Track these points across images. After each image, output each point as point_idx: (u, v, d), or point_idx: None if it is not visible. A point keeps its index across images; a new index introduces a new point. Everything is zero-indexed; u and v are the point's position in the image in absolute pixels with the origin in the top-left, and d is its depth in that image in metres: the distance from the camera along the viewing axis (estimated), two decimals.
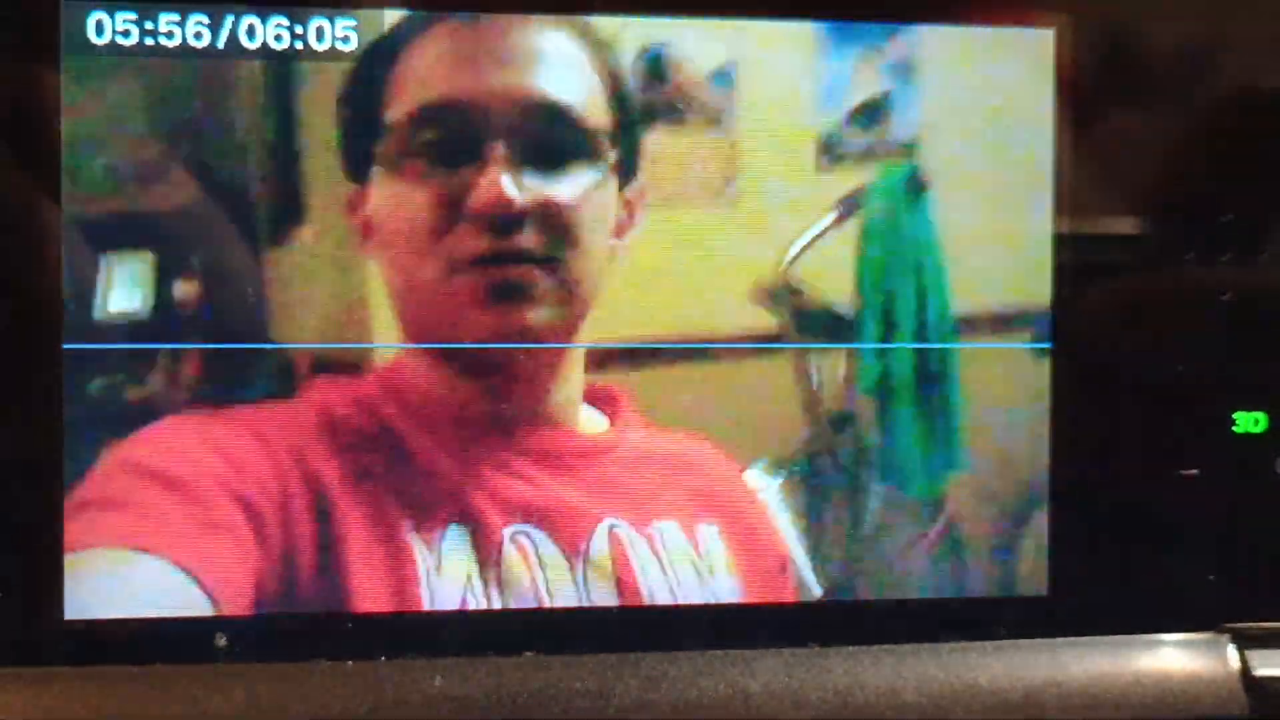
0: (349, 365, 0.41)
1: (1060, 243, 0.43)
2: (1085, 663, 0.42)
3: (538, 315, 0.41)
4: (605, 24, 0.41)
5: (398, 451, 0.41)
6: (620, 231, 0.42)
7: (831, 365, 0.43)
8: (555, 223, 0.41)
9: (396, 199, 0.41)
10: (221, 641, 0.40)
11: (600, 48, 0.42)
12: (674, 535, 0.42)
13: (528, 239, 0.41)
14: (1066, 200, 0.43)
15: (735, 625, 0.42)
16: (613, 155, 0.42)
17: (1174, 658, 0.42)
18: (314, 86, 0.40)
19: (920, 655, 0.42)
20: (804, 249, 0.42)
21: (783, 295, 0.42)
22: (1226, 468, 0.43)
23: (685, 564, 0.42)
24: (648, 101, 0.42)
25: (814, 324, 0.43)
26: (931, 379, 0.43)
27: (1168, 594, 0.43)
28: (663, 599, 0.42)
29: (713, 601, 0.42)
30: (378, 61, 0.41)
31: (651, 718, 0.40)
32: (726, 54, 0.42)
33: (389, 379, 0.41)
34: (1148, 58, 0.44)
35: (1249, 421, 0.43)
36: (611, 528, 0.42)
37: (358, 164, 0.41)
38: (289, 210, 0.40)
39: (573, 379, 0.42)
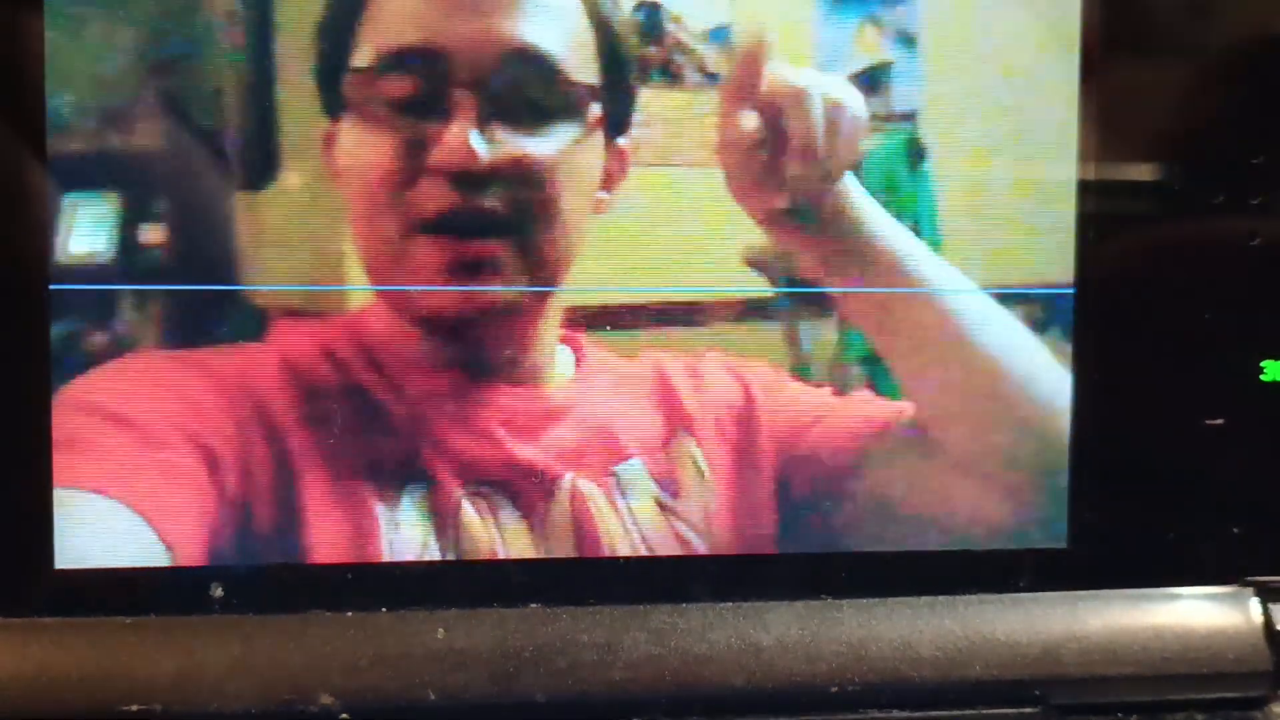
0: (315, 312, 0.39)
1: (1085, 188, 0.41)
2: (1105, 616, 0.41)
3: (507, 284, 0.39)
4: None
5: (361, 402, 0.39)
6: (609, 183, 0.40)
7: (823, 331, 0.42)
8: (528, 182, 0.39)
9: (362, 145, 0.39)
10: (217, 592, 0.39)
11: None
12: (639, 475, 0.41)
13: (495, 200, 0.39)
14: (1091, 144, 0.41)
15: (746, 576, 0.41)
16: (598, 108, 0.40)
17: (1196, 611, 0.42)
18: (293, 14, 0.38)
19: (936, 608, 0.41)
20: None
21: (774, 260, 0.41)
22: (1254, 417, 0.42)
23: (649, 503, 0.41)
24: (642, 55, 0.40)
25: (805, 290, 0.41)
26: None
27: (1190, 546, 0.42)
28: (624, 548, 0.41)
29: (722, 552, 0.41)
30: None
31: (660, 671, 0.39)
32: (726, 12, 0.40)
33: (355, 328, 0.39)
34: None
35: (1278, 369, 0.42)
36: (574, 481, 0.41)
37: (332, 101, 0.39)
38: (266, 144, 0.39)
39: (546, 336, 0.41)
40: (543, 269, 0.40)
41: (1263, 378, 0.42)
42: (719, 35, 0.40)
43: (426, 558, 0.40)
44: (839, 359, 0.42)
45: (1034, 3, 0.41)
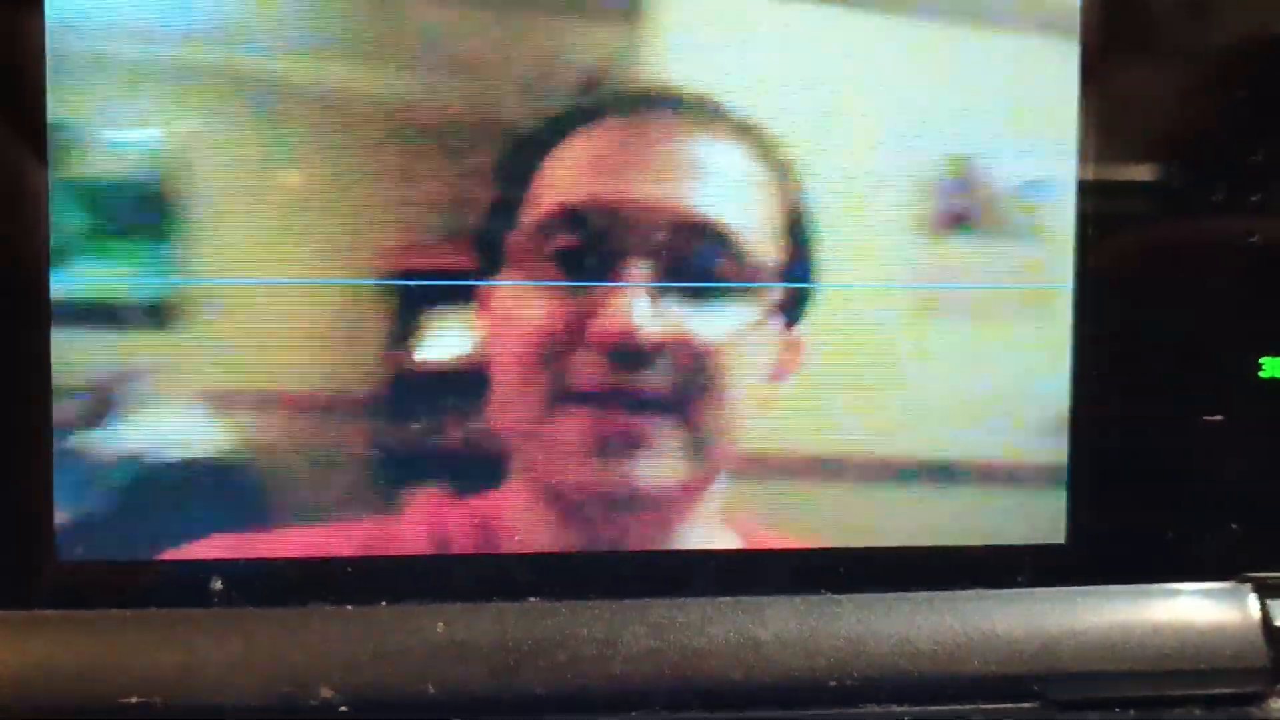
0: (447, 488, 0.38)
1: (1084, 187, 0.41)
2: (1104, 612, 0.41)
3: (657, 472, 0.37)
4: (791, 146, 0.37)
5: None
6: (779, 374, 0.38)
7: None
8: (691, 363, 0.37)
9: (517, 304, 0.36)
10: (218, 585, 0.39)
11: (783, 168, 0.37)
12: None
13: (653, 380, 0.37)
14: (1091, 144, 0.41)
15: (745, 572, 0.41)
16: (779, 291, 0.37)
17: (1194, 607, 0.42)
18: (465, 162, 0.37)
19: (935, 603, 0.41)
20: None
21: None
22: (1252, 413, 0.42)
23: None
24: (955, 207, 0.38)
25: None
26: None
27: (1189, 542, 0.42)
28: None
29: (722, 548, 0.41)
30: (531, 149, 0.37)
31: (660, 665, 0.39)
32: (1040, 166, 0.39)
33: (486, 509, 0.38)
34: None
35: (1276, 366, 0.42)
36: None
37: (492, 256, 0.37)
38: (424, 291, 0.37)
39: (702, 525, 0.39)
40: (700, 454, 0.37)
41: (1261, 374, 0.42)
42: (1035, 188, 0.39)
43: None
44: None
45: (1034, 3, 0.41)
